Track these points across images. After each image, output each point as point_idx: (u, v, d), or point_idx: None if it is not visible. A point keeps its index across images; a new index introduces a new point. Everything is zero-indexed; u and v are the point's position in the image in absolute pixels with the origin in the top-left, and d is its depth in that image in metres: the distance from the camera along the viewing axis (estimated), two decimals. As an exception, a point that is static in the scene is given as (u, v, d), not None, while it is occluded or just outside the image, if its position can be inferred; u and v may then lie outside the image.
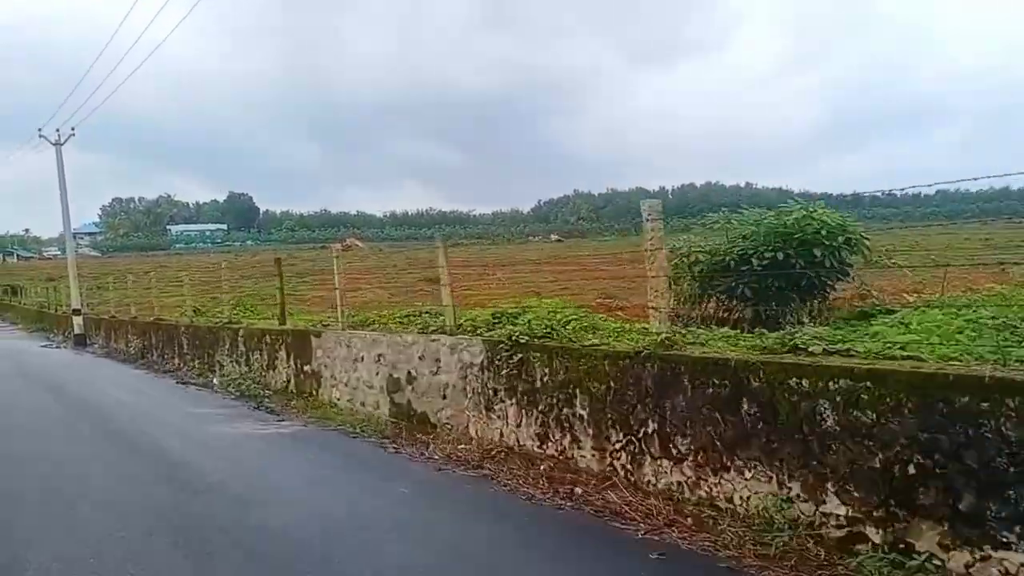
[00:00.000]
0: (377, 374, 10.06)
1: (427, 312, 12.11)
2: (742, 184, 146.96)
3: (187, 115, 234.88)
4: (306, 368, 12.04)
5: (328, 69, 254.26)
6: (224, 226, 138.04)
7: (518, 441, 7.72)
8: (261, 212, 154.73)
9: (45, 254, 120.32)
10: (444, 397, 8.87)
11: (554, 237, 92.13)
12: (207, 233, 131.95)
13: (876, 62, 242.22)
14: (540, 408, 7.37)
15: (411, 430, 9.15)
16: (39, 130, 26.34)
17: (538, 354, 7.41)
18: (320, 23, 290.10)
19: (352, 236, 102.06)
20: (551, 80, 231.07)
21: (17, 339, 31.50)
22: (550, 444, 7.27)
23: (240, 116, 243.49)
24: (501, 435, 7.97)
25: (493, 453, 7.82)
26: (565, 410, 7.03)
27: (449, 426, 8.79)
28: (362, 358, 10.42)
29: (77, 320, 25.93)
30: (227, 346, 15.23)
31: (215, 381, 14.36)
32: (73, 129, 26.43)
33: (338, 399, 11.03)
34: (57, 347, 25.95)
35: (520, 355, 7.60)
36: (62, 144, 26.23)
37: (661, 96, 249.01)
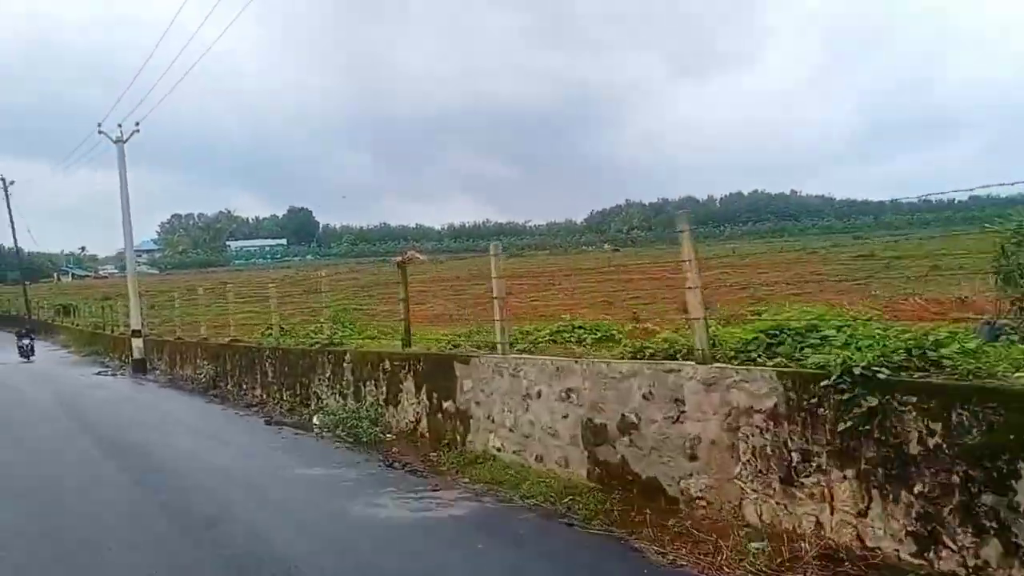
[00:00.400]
0: (565, 417, 7.41)
1: (581, 327, 9.56)
2: (787, 192, 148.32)
3: (245, 131, 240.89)
4: (446, 405, 9.44)
5: (383, 84, 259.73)
6: (283, 241, 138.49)
7: (860, 539, 4.97)
8: (320, 227, 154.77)
9: (101, 272, 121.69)
10: (693, 458, 6.15)
11: (607, 247, 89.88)
12: (266, 249, 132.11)
13: (908, 69, 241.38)
14: (916, 490, 4.60)
15: (628, 504, 6.45)
16: (98, 125, 24.64)
17: (912, 399, 4.62)
18: (376, 38, 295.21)
19: (413, 248, 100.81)
20: (598, 93, 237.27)
21: (68, 364, 29.71)
22: (944, 553, 4.47)
23: (298, 131, 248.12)
24: (818, 525, 5.21)
25: (802, 555, 5.05)
26: (985, 498, 4.24)
27: (703, 503, 6.08)
28: (538, 393, 7.77)
29: (137, 343, 23.98)
30: (327, 374, 12.79)
31: (315, 421, 11.92)
32: (137, 125, 24.75)
33: (498, 449, 8.40)
34: (113, 374, 24.04)
35: (872, 400, 4.81)
36: (124, 141, 24.47)
37: (701, 107, 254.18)
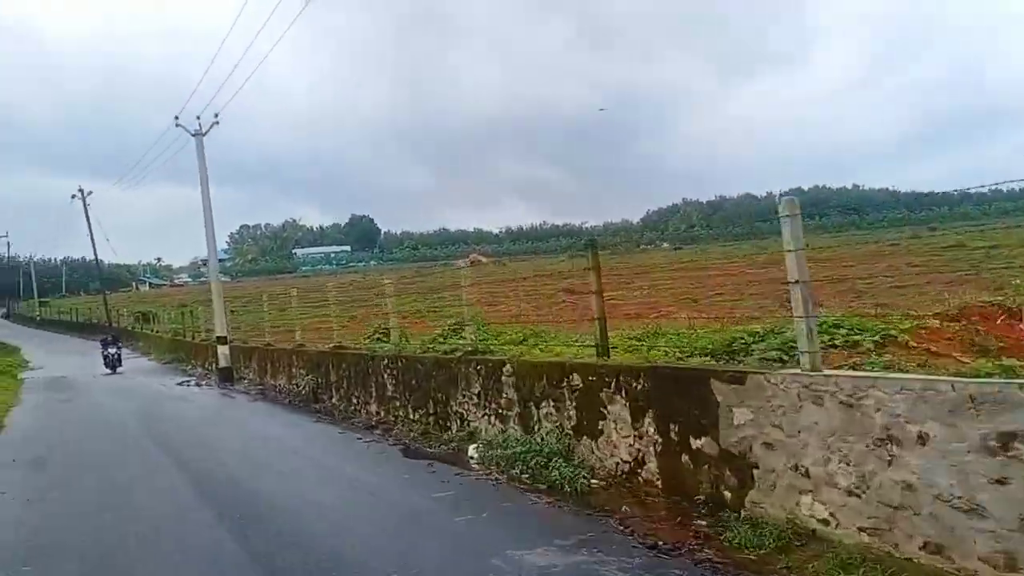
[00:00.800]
0: (1000, 483, 4.29)
1: (837, 326, 6.54)
2: (848, 186, 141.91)
3: (304, 144, 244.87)
4: (698, 444, 6.45)
5: (435, 94, 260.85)
6: (347, 248, 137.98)
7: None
8: (382, 233, 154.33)
9: (176, 281, 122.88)
10: None
11: (665, 245, 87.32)
12: (331, 255, 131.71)
13: (961, 61, 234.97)
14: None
15: None
16: (175, 118, 22.43)
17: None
18: (429, 48, 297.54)
19: (475, 251, 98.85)
20: (647, 95, 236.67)
21: (148, 372, 27.75)
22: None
23: (354, 142, 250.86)
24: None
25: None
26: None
27: None
28: (918, 437, 4.70)
29: (223, 350, 21.63)
30: (475, 390, 9.95)
31: (471, 453, 9.06)
32: (217, 116, 22.43)
33: (824, 521, 5.40)
34: (197, 384, 21.77)
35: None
36: (204, 134, 22.22)
37: (752, 106, 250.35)
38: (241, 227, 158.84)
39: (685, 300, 21.57)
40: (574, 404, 8.04)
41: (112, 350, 28.23)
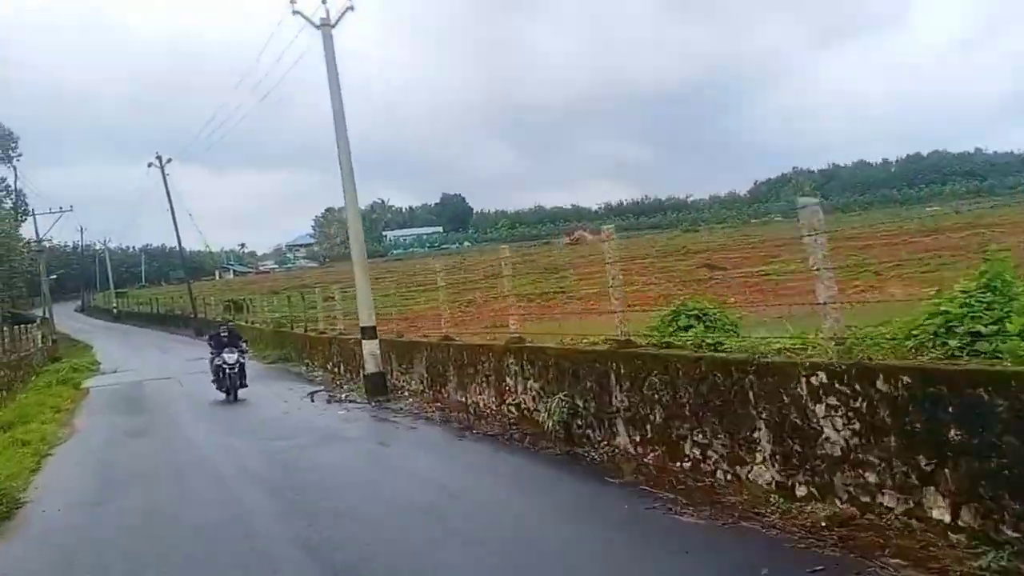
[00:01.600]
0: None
1: None
2: (971, 150, 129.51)
3: (387, 126, 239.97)
4: None
5: (523, 69, 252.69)
6: (439, 229, 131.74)
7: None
8: (474, 212, 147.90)
9: (261, 268, 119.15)
10: None
11: (777, 218, 79.74)
12: (423, 236, 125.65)
13: None
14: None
15: None
16: (292, 3, 15.06)
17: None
18: (513, 25, 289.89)
19: (580, 228, 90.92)
20: (743, 65, 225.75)
21: (255, 378, 18.68)
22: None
23: (439, 123, 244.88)
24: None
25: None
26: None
27: None
28: None
29: (370, 347, 14.49)
30: None
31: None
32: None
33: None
34: (336, 400, 14.78)
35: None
36: (332, 26, 15.04)
37: (852, 73, 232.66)
38: (326, 210, 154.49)
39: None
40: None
41: (231, 358, 16.35)
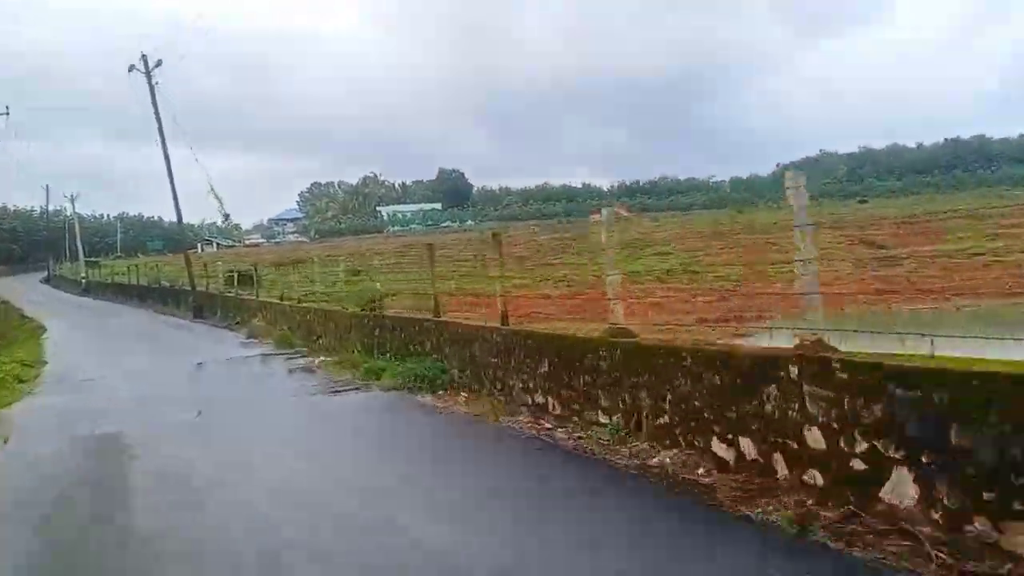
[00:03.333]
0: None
1: None
2: (1014, 136, 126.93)
3: (375, 108, 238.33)
4: None
5: (513, 55, 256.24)
6: (438, 205, 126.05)
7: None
8: (475, 189, 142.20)
9: (247, 241, 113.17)
10: None
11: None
12: (422, 213, 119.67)
13: None
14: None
15: None
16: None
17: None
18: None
19: (618, 204, 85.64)
20: (756, 49, 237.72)
21: (315, 390, 12.36)
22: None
23: (431, 105, 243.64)
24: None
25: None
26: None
27: None
28: None
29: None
30: None
31: None
32: None
33: None
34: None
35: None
36: None
37: (883, 53, 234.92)
38: (313, 184, 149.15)
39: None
40: None
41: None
